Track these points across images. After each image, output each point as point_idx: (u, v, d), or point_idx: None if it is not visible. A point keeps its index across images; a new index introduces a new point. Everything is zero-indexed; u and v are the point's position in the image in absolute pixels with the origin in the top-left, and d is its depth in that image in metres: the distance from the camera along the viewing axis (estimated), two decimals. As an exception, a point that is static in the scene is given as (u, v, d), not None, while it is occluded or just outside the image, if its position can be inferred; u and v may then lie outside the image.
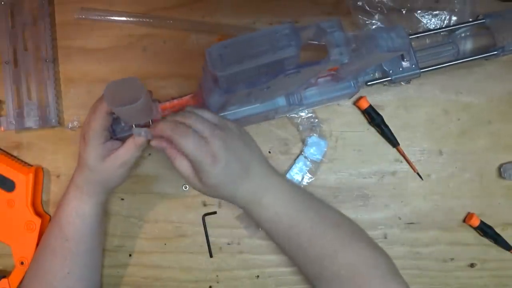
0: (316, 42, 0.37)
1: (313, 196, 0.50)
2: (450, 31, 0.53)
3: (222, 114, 0.46)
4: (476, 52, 0.53)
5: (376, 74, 0.51)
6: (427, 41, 0.53)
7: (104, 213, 0.52)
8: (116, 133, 0.46)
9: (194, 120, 0.41)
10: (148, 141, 0.44)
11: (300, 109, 0.52)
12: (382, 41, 0.35)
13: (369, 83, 0.51)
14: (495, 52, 0.52)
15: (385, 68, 0.50)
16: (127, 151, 0.45)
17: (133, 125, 0.44)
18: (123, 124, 0.46)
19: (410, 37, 0.51)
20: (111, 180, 0.47)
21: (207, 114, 0.43)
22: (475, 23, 0.52)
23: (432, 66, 0.51)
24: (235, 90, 0.35)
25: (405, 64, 0.50)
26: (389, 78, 0.50)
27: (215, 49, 0.31)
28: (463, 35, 0.53)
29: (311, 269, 0.46)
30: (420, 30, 0.53)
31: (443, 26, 0.53)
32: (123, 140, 0.45)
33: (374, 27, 0.51)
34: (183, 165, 0.42)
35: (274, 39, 0.31)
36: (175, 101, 0.45)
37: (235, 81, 0.34)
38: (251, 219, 0.47)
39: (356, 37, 0.37)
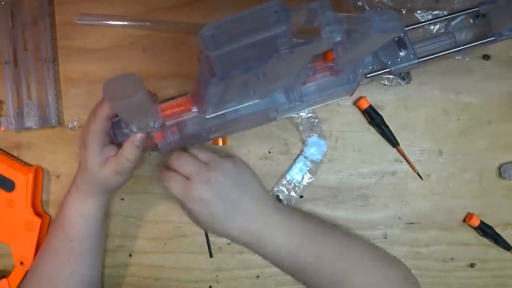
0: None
1: (316, 222, 0.50)
2: (446, 21, 0.53)
3: (222, 112, 0.46)
4: (474, 42, 0.52)
5: (375, 66, 0.51)
6: (427, 35, 0.53)
7: (106, 212, 0.52)
8: (117, 137, 0.46)
9: (184, 162, 0.46)
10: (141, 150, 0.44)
11: (301, 107, 0.52)
12: (375, 23, 0.36)
13: (368, 76, 0.50)
14: (493, 38, 0.51)
15: (383, 60, 0.50)
16: (118, 161, 0.44)
17: (134, 129, 0.43)
18: (123, 126, 0.45)
19: (406, 28, 0.51)
20: (110, 184, 0.47)
21: (201, 154, 0.47)
22: (470, 11, 0.52)
23: (430, 55, 0.51)
24: (230, 75, 0.35)
25: (403, 54, 0.50)
26: (388, 70, 0.50)
27: (207, 30, 0.32)
28: (462, 25, 0.53)
29: None
30: (420, 30, 0.53)
31: (440, 16, 0.52)
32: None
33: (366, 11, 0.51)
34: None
35: (264, 16, 0.32)
36: (174, 102, 0.45)
37: (229, 64, 0.34)
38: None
39: (348, 18, 0.37)
